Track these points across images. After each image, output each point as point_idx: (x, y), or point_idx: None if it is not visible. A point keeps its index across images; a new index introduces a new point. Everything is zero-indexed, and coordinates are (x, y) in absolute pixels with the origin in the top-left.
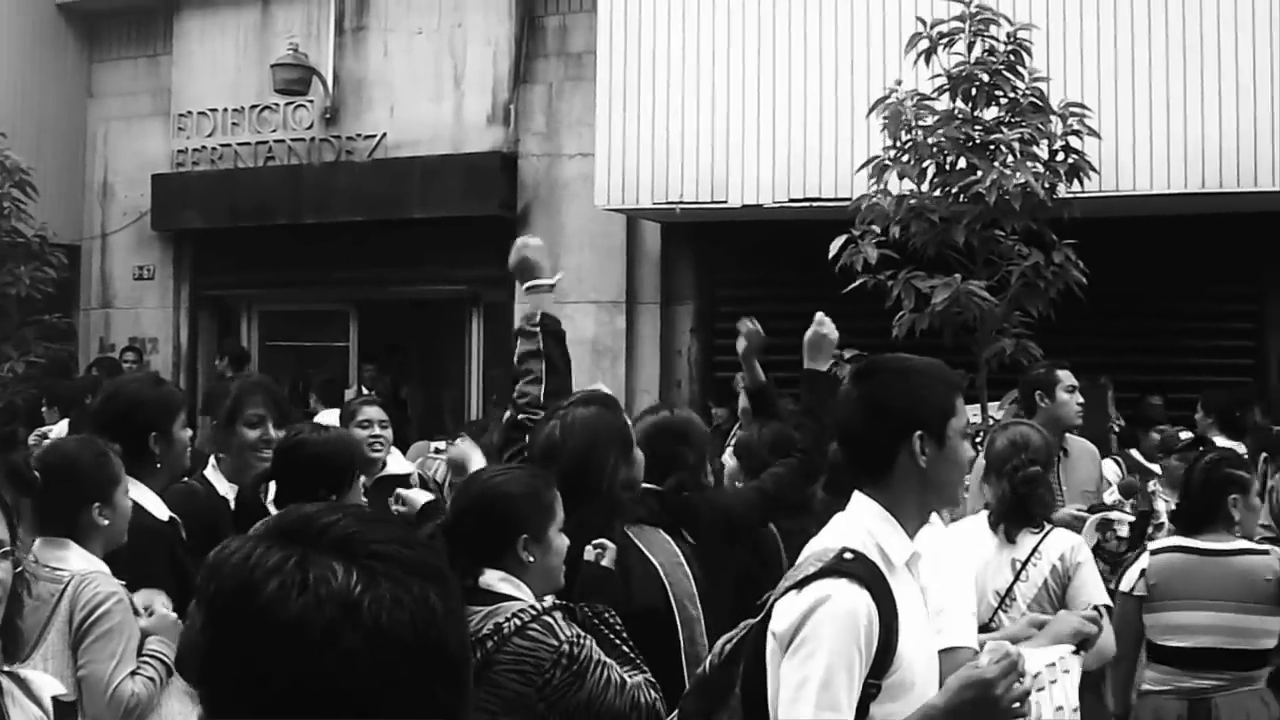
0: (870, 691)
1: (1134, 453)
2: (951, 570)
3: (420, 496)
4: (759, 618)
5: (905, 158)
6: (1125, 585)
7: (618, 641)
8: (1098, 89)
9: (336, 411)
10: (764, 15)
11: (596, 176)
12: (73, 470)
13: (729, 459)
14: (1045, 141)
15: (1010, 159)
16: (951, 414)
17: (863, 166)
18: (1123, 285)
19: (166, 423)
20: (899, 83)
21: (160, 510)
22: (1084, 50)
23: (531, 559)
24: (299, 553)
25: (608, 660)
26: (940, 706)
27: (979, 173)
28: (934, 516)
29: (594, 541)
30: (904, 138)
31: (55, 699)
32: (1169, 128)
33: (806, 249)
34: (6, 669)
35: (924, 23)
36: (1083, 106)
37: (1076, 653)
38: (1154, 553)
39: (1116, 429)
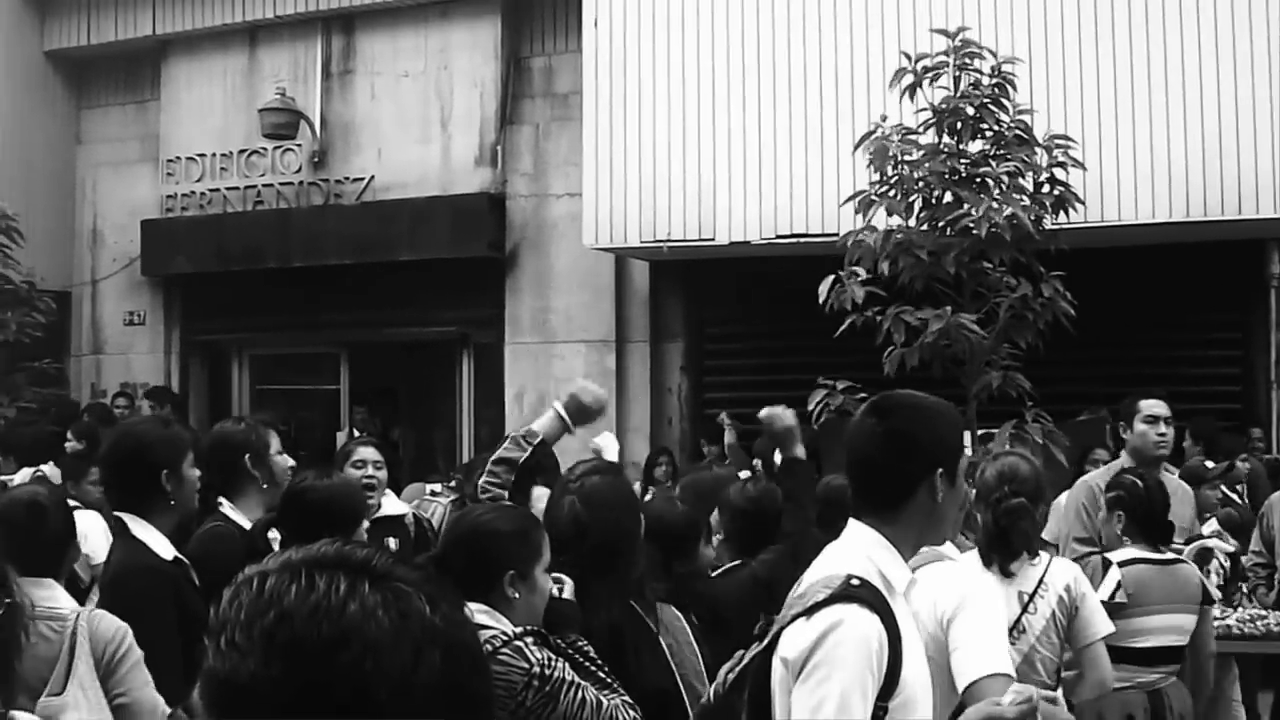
0: (878, 714)
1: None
2: (984, 599)
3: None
4: (762, 645)
5: (891, 192)
6: (1104, 594)
7: (593, 667)
8: (1081, 121)
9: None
10: (749, 54)
11: (584, 216)
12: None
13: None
14: (1031, 174)
15: (997, 192)
16: (962, 452)
17: (848, 200)
18: (1110, 315)
19: (177, 461)
20: (884, 118)
21: (165, 550)
22: (1068, 83)
23: (517, 595)
24: (357, 579)
25: (582, 682)
26: None
27: (966, 206)
28: (949, 548)
29: (552, 575)
30: (890, 172)
31: None
32: (1153, 158)
33: (795, 285)
34: (3, 711)
35: (909, 57)
36: (1068, 138)
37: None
38: (1123, 565)
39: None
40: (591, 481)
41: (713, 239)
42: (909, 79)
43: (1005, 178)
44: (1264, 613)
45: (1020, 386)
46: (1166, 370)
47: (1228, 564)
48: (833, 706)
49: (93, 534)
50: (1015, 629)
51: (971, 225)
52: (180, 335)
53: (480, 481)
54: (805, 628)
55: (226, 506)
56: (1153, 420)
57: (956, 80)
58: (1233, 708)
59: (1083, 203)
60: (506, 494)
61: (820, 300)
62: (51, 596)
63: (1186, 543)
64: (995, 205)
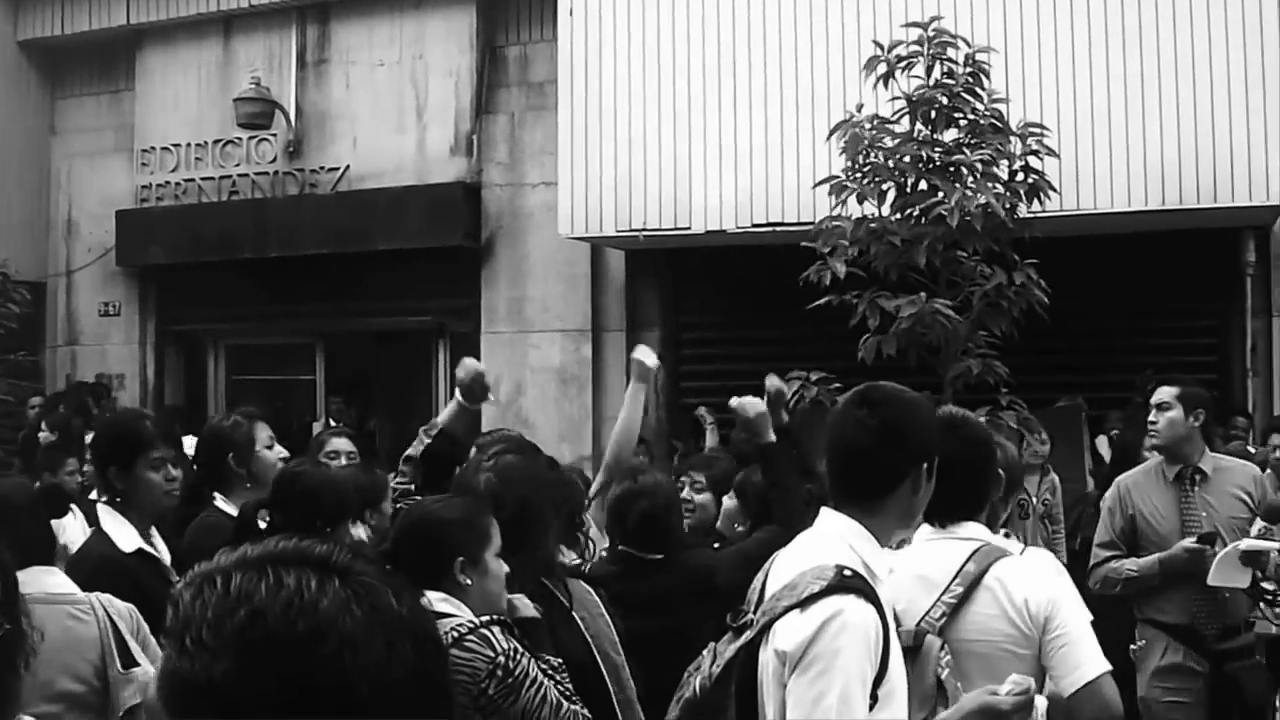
0: (870, 703)
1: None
2: (1073, 597)
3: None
4: (748, 638)
5: (865, 180)
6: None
7: (557, 678)
8: (1056, 109)
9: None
10: (724, 43)
11: (560, 205)
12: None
13: (729, 500)
14: (1005, 162)
15: (971, 180)
16: (938, 448)
17: (820, 183)
18: (1085, 303)
19: (138, 453)
20: (860, 107)
21: (129, 542)
22: (1042, 71)
23: (469, 582)
24: (324, 574)
25: (546, 681)
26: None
27: (939, 194)
28: (1013, 542)
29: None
30: (863, 161)
31: None
32: (1128, 146)
33: (770, 273)
34: None
35: (882, 46)
36: (1041, 127)
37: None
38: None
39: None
40: (505, 459)
41: (689, 228)
42: (882, 68)
43: (979, 166)
44: None
45: (996, 374)
46: (1142, 359)
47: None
48: (835, 697)
49: (69, 525)
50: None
51: (945, 214)
52: (156, 326)
53: (393, 483)
54: (802, 619)
55: (219, 500)
56: (1153, 408)
57: (930, 69)
58: None
59: (1057, 191)
60: (414, 488)
61: (795, 269)
62: (62, 583)
63: (1203, 540)
64: (969, 193)
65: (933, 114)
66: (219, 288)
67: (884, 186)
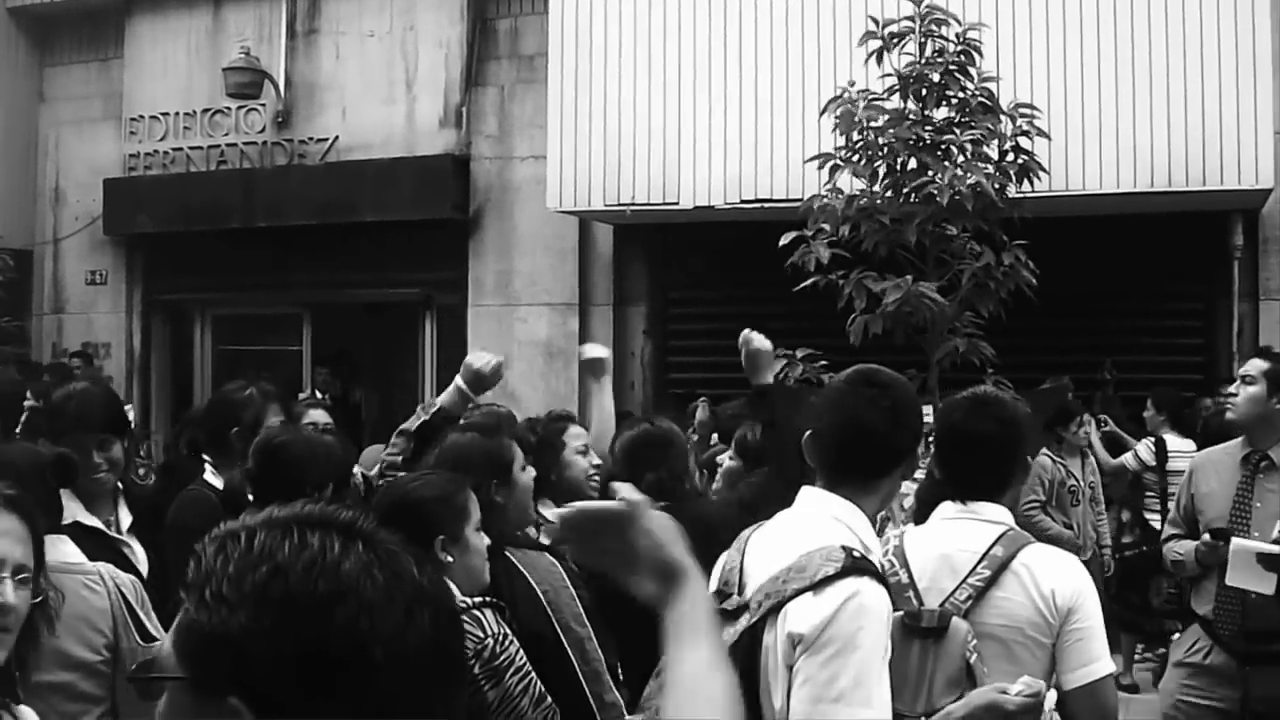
0: None
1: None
2: (1094, 594)
3: None
4: (750, 621)
5: (856, 157)
6: None
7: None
8: (1047, 90)
9: None
10: (715, 18)
11: (549, 179)
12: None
13: (728, 459)
14: (996, 142)
15: (961, 159)
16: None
17: (812, 159)
18: (1072, 284)
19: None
20: (852, 83)
21: (88, 519)
22: (1033, 51)
23: (450, 559)
24: (347, 537)
25: (530, 672)
26: (960, 717)
27: (930, 173)
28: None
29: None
30: (855, 138)
31: None
32: (1117, 128)
33: (758, 250)
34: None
35: (876, 22)
36: (1032, 107)
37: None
38: None
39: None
40: (452, 437)
41: (677, 203)
42: (876, 43)
43: (969, 145)
44: None
45: (982, 354)
46: (1129, 340)
47: None
48: (848, 679)
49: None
50: None
51: (935, 192)
52: (142, 295)
53: (383, 455)
54: (817, 602)
55: (209, 471)
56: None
57: (922, 46)
58: None
59: (1047, 172)
60: (401, 460)
61: (782, 249)
62: (73, 552)
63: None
64: (959, 173)
65: (924, 92)
66: (206, 257)
67: (875, 164)
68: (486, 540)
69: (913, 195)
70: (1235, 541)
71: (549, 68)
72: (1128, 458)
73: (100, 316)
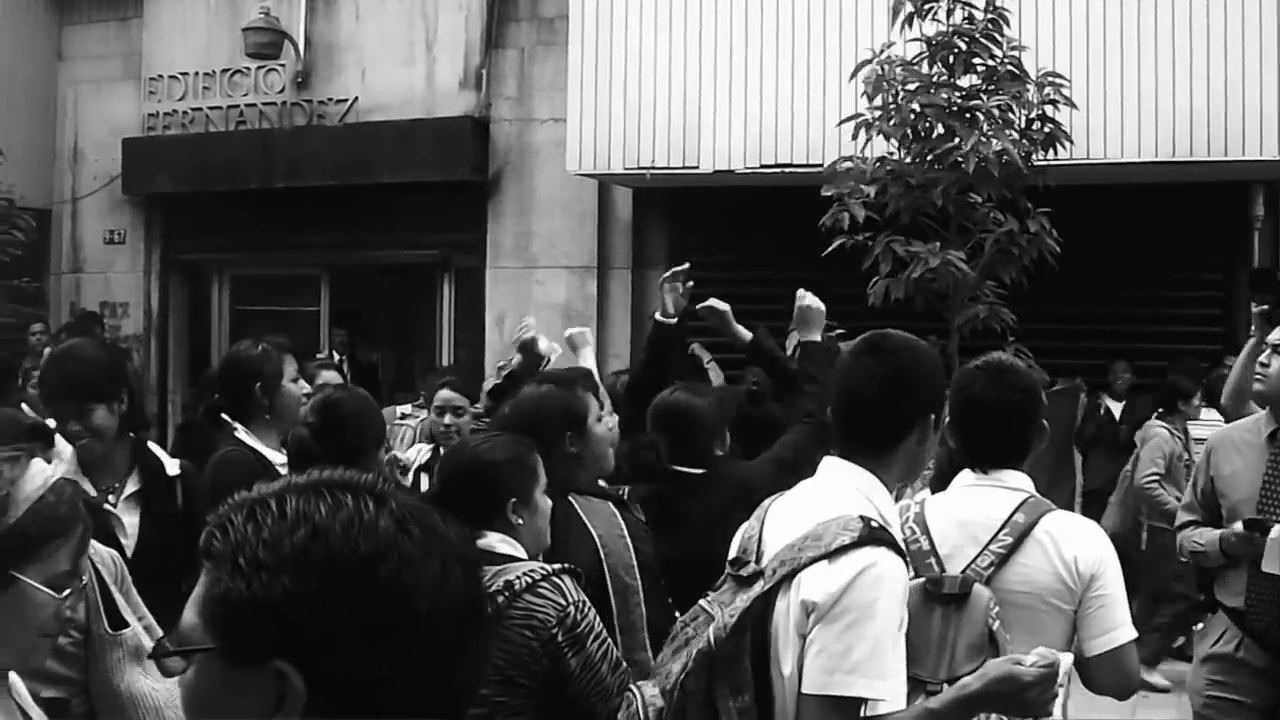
0: None
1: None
2: (1116, 562)
3: None
4: (764, 588)
5: (890, 120)
6: None
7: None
8: (1070, 58)
9: None
10: None
11: (568, 141)
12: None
13: None
14: (1022, 110)
15: (988, 126)
16: (945, 397)
17: (843, 122)
18: (1093, 253)
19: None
20: (891, 44)
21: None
22: (1056, 20)
23: (520, 521)
24: (376, 498)
25: (607, 637)
26: (976, 690)
27: (956, 139)
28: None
29: None
30: (883, 100)
31: (45, 699)
32: (1139, 97)
33: (778, 214)
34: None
35: None
36: (1059, 76)
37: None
38: None
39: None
40: (526, 390)
41: (696, 167)
42: (907, 8)
43: (995, 112)
44: None
45: (1004, 321)
46: (1149, 309)
47: None
48: (864, 650)
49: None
50: None
51: (960, 159)
52: (160, 255)
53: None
54: (832, 570)
55: (241, 431)
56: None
57: (950, 13)
58: None
59: (1072, 141)
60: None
61: (806, 213)
62: None
63: None
64: (985, 139)
65: (951, 59)
66: (225, 218)
67: (904, 128)
68: (549, 502)
69: (938, 161)
70: (1278, 529)
71: (569, 30)
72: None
73: (118, 276)
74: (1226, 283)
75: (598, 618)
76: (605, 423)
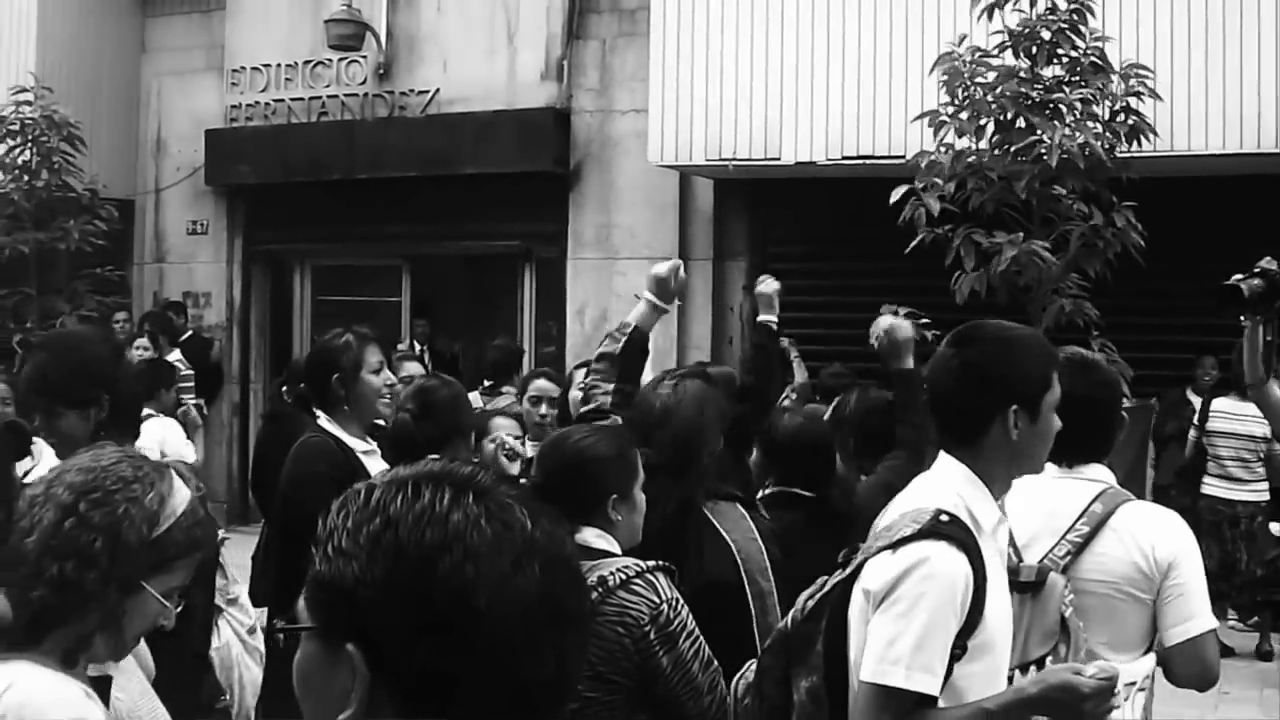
0: (956, 653)
1: None
2: (1196, 552)
3: None
4: (844, 575)
5: (964, 114)
6: None
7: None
8: (1153, 49)
9: None
10: None
11: (650, 133)
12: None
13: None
14: (1106, 102)
15: (1071, 119)
16: (1048, 388)
17: (919, 117)
18: (1178, 246)
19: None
20: (964, 38)
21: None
22: (1140, 10)
23: (619, 517)
24: (460, 492)
25: (699, 635)
26: (1033, 695)
27: (1039, 132)
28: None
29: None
30: (962, 94)
31: (93, 677)
32: (1225, 88)
33: (860, 206)
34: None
35: None
36: (1144, 68)
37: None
38: None
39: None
40: (687, 382)
41: (778, 158)
42: (988, 0)
43: (1079, 105)
44: None
45: (1087, 315)
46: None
47: None
48: (908, 643)
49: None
50: None
51: (1044, 151)
52: (243, 245)
53: (587, 380)
54: (891, 561)
55: (323, 419)
56: None
57: (1033, 4)
58: None
59: (1156, 133)
60: (611, 386)
61: (892, 205)
62: None
63: None
64: (1069, 132)
65: (1034, 50)
66: (306, 208)
67: (981, 121)
68: (644, 497)
69: (1021, 154)
70: None
71: (651, 21)
72: None
73: (201, 266)
74: None
75: (690, 616)
76: None
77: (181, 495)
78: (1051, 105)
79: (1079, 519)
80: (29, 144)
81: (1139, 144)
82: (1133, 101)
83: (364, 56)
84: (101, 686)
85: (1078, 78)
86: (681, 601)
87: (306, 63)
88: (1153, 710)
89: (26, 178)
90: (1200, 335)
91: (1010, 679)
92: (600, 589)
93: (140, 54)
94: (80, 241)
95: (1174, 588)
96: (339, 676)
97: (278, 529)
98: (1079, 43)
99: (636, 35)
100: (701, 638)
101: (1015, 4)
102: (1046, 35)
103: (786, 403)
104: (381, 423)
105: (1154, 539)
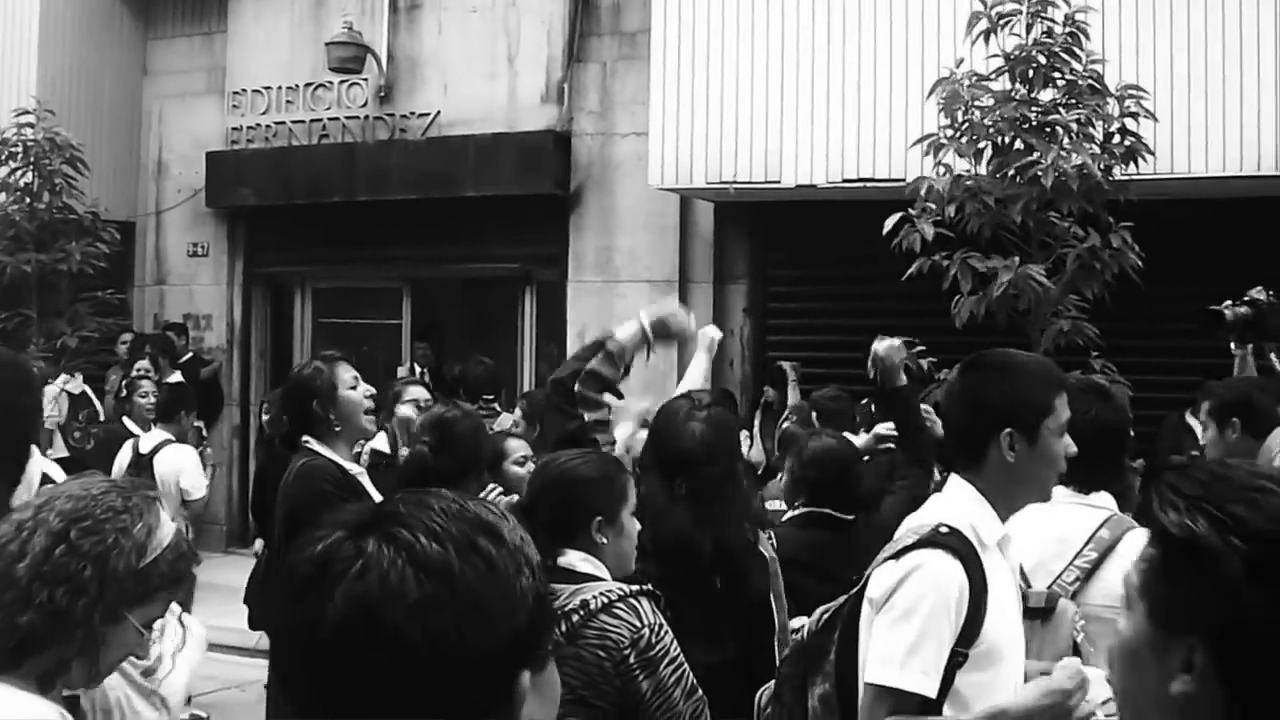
0: (957, 660)
1: None
2: None
3: None
4: (856, 590)
5: (962, 138)
6: None
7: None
8: (1153, 71)
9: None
10: None
11: (650, 156)
12: None
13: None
14: (1102, 123)
15: (1067, 140)
16: (1048, 412)
17: (918, 141)
18: (1177, 268)
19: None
20: (960, 62)
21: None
22: (1139, 33)
23: (605, 540)
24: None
25: (683, 662)
26: (1027, 706)
27: (1035, 154)
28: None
29: None
30: (960, 118)
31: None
32: (1224, 110)
33: (860, 229)
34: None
35: (984, 2)
36: (1140, 89)
37: None
38: None
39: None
40: (717, 410)
41: (779, 181)
42: (984, 24)
43: (1075, 126)
44: None
45: (1086, 336)
46: None
47: None
48: (905, 645)
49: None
50: None
51: (1040, 174)
52: (244, 267)
53: (579, 390)
54: (892, 569)
55: (314, 443)
56: None
57: (1029, 28)
58: None
59: (1153, 154)
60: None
61: (886, 233)
62: None
63: None
64: (1064, 154)
65: (1030, 73)
66: (307, 231)
67: (980, 145)
68: (638, 526)
69: (1018, 176)
70: None
71: (651, 44)
72: None
73: (201, 289)
74: None
75: (674, 643)
76: None
77: (168, 528)
78: (1048, 128)
79: (1086, 544)
80: (31, 166)
81: (1136, 165)
82: (1129, 123)
83: (365, 79)
84: (71, 705)
85: (1074, 100)
86: (665, 627)
87: (307, 85)
88: None
89: (28, 200)
90: (1198, 358)
91: None
92: (582, 612)
93: (141, 76)
94: (81, 264)
95: None
96: None
97: (278, 551)
98: (1075, 65)
99: (637, 58)
100: (685, 665)
101: (1011, 28)
102: (1043, 59)
103: (785, 425)
104: (388, 450)
105: None
